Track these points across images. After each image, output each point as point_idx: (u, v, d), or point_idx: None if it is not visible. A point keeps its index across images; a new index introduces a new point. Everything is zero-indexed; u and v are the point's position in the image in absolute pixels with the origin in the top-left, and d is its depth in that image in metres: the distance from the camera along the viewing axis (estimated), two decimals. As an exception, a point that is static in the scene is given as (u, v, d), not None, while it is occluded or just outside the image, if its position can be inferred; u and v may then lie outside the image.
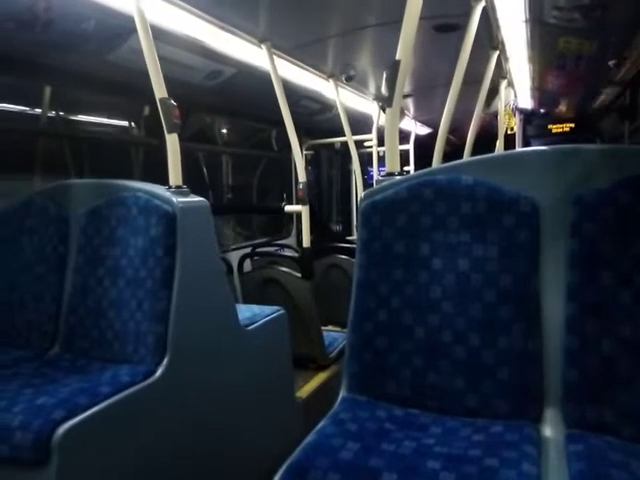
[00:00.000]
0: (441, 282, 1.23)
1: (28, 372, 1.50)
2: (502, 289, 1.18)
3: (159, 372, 1.49)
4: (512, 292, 1.17)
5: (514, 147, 5.24)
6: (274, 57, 2.56)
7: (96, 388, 1.35)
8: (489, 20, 2.38)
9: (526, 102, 4.92)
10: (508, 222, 1.19)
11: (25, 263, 1.80)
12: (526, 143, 5.73)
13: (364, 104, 4.14)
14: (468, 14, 2.11)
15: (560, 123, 5.80)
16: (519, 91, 4.39)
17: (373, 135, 4.26)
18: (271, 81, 2.56)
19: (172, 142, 1.75)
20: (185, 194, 1.70)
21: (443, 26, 2.51)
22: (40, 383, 1.41)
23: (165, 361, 1.51)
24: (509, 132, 4.83)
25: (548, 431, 1.12)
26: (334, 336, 3.03)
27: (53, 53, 2.08)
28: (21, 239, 1.82)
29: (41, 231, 1.81)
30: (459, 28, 2.41)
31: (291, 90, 3.00)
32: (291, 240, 4.36)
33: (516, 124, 5.33)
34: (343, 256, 3.41)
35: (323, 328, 2.77)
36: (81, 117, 3.18)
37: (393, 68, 1.37)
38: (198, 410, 1.65)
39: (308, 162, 5.54)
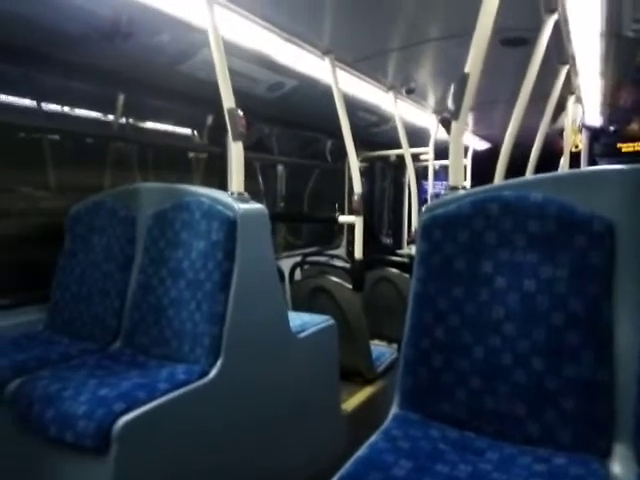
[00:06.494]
0: (504, 302, 1.19)
1: (92, 364, 1.58)
2: (571, 313, 1.12)
3: (213, 373, 1.53)
4: (582, 317, 1.11)
5: (578, 166, 5.00)
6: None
7: (154, 384, 1.40)
8: (560, 33, 2.30)
9: (594, 119, 4.69)
10: (580, 243, 1.13)
11: (94, 260, 1.91)
12: (592, 162, 5.46)
13: (421, 117, 4.11)
14: (538, 28, 2.05)
15: (632, 142, 5.48)
16: (587, 107, 4.20)
17: (430, 148, 4.20)
18: (330, 93, 2.59)
19: (237, 150, 1.80)
20: (246, 201, 1.74)
21: (510, 40, 2.45)
22: (102, 375, 1.48)
23: (219, 362, 1.55)
24: (573, 150, 4.61)
25: (617, 468, 1.05)
26: (381, 350, 2.98)
27: (128, 63, 2.21)
28: (92, 237, 1.93)
29: (110, 231, 1.91)
30: (527, 42, 2.34)
31: (349, 102, 3.02)
32: (341, 251, 4.36)
33: (582, 142, 5.09)
34: (394, 270, 3.36)
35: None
36: (149, 124, 3.34)
37: (461, 81, 1.35)
38: (247, 412, 1.67)
39: (361, 174, 5.53)
